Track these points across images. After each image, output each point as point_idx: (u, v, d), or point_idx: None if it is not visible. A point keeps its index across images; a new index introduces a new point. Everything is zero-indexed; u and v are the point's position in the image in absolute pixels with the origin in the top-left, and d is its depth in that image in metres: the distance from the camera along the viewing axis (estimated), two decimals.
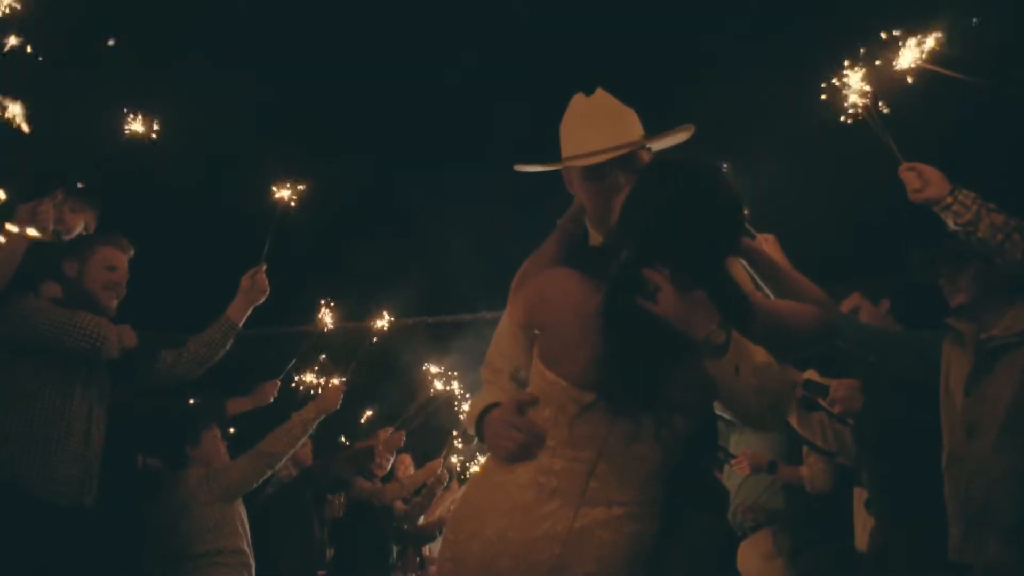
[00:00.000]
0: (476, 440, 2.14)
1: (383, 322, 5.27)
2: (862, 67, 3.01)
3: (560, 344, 1.87)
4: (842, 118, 3.05)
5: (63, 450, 3.09)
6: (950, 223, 2.85)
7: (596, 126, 2.08)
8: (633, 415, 1.79)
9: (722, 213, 1.79)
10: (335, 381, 4.40)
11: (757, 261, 1.99)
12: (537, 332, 1.94)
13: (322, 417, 4.21)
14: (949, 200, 2.80)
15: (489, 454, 2.01)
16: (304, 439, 4.22)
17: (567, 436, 1.82)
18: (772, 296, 1.98)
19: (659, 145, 2.15)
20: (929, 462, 3.24)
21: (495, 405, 2.01)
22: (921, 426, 3.37)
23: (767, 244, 3.60)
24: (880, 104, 2.92)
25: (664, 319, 1.71)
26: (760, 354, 1.80)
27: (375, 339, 5.21)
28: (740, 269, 2.02)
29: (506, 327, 2.23)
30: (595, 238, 2.19)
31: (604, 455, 1.79)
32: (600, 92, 2.16)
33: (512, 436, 1.86)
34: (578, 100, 2.16)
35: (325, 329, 4.96)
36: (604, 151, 2.03)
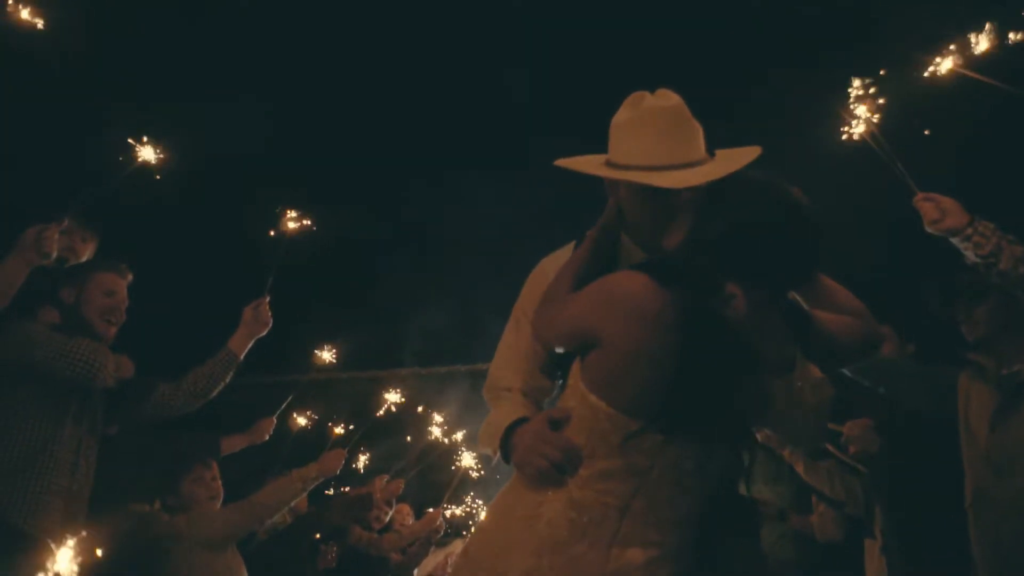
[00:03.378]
0: (496, 458, 1.93)
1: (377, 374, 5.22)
2: (870, 89, 3.01)
3: (616, 363, 1.66)
4: (845, 137, 3.04)
5: (47, 482, 2.96)
6: (969, 255, 2.81)
7: (664, 136, 1.83)
8: (683, 446, 1.64)
9: (805, 237, 1.67)
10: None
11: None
12: (589, 348, 1.73)
13: (321, 479, 4.15)
14: (969, 231, 2.76)
15: (509, 486, 1.84)
16: (300, 497, 4.16)
17: (602, 468, 1.64)
18: (808, 306, 1.87)
19: (729, 169, 1.83)
20: (949, 501, 3.15)
21: (523, 420, 1.84)
22: (940, 464, 3.29)
23: None
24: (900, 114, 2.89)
25: (741, 329, 1.60)
26: (816, 371, 1.68)
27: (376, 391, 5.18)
28: None
29: (513, 343, 2.09)
30: (634, 254, 1.98)
31: (642, 490, 1.63)
32: (666, 94, 1.90)
33: (547, 453, 1.67)
34: (642, 99, 1.90)
35: (319, 376, 4.90)
36: (673, 167, 1.79)
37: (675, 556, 1.65)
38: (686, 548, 1.68)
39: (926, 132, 3.05)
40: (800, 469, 4.53)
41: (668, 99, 1.88)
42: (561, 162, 1.96)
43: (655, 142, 1.83)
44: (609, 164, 1.92)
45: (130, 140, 3.24)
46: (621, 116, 1.91)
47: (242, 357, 3.52)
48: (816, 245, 1.69)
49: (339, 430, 4.97)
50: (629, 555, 1.61)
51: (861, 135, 3.05)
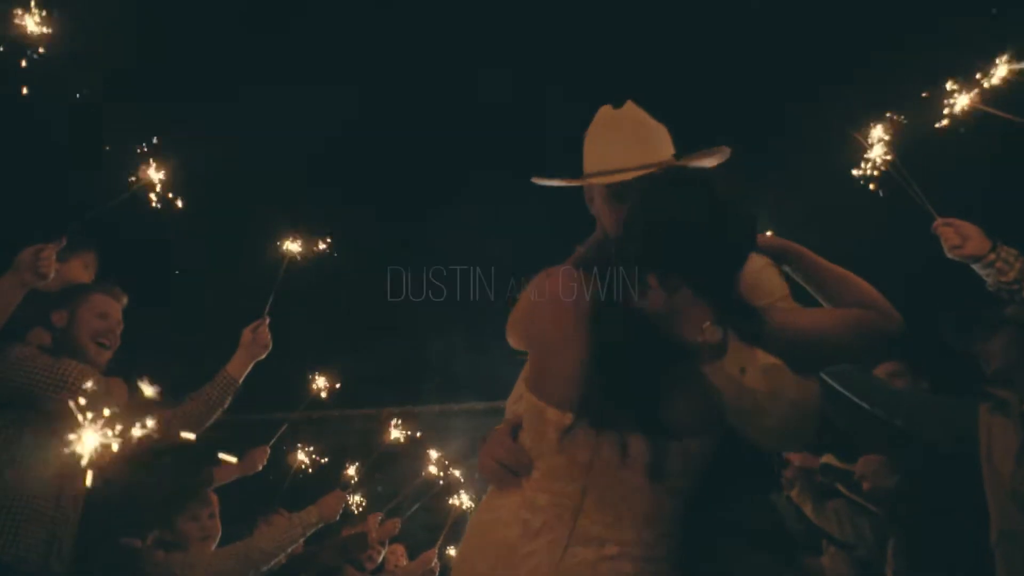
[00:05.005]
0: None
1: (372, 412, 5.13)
2: (889, 121, 2.99)
3: (543, 356, 1.72)
4: (863, 169, 3.02)
5: (31, 510, 2.82)
6: (991, 281, 2.76)
7: (623, 142, 1.90)
8: (620, 439, 1.61)
9: (731, 223, 1.65)
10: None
11: (800, 265, 1.82)
12: (528, 347, 1.81)
13: (322, 525, 4.09)
14: (991, 257, 2.72)
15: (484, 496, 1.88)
16: (299, 543, 4.05)
17: (549, 467, 1.66)
18: (823, 302, 1.82)
19: (690, 164, 1.92)
20: (971, 541, 3.04)
21: None
22: (960, 502, 3.19)
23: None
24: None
25: (655, 319, 1.59)
26: (769, 357, 1.57)
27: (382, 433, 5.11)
28: (773, 275, 1.84)
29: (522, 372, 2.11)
30: None
31: (590, 488, 1.61)
32: (630, 105, 1.98)
33: (495, 454, 1.73)
34: (605, 113, 1.99)
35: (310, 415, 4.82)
36: (630, 169, 1.85)
37: (639, 558, 1.59)
38: (654, 552, 1.62)
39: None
40: (808, 510, 4.42)
41: (627, 109, 1.95)
42: (538, 180, 2.05)
43: (611, 148, 1.90)
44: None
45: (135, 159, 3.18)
46: (589, 130, 2.00)
47: (241, 381, 3.40)
48: (739, 240, 1.66)
49: (326, 464, 4.87)
50: (584, 553, 1.58)
51: (878, 160, 3.03)
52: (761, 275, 1.78)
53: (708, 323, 1.55)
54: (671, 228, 1.62)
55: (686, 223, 1.61)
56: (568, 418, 1.63)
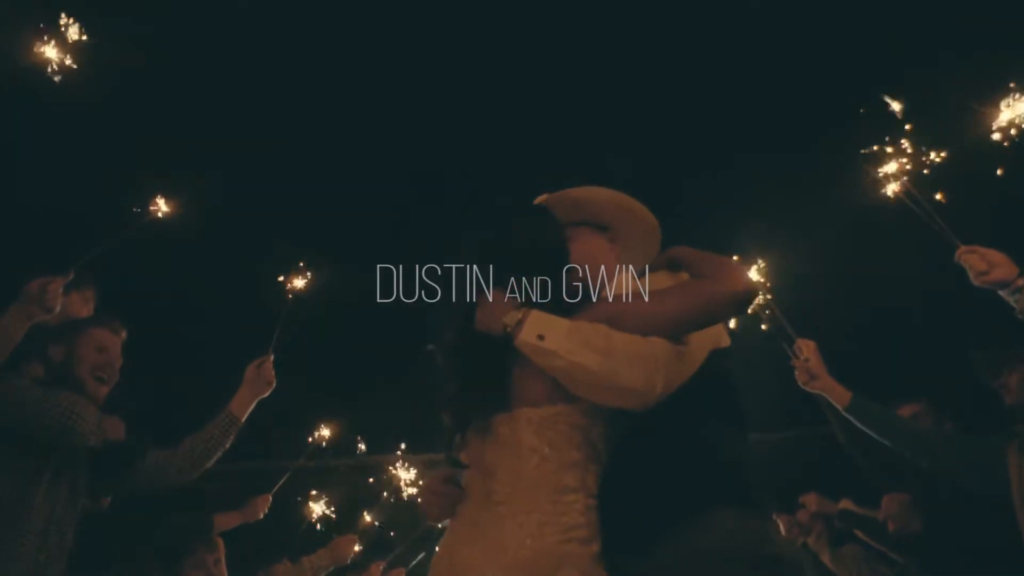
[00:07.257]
0: None
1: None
2: (901, 147, 2.97)
3: None
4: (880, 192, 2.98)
5: (14, 551, 2.67)
6: (1021, 308, 2.70)
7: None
8: (487, 426, 1.87)
9: (536, 243, 2.02)
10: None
11: (681, 264, 2.03)
12: None
13: (332, 568, 4.12)
14: (1021, 283, 2.66)
15: None
16: None
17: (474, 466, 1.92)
18: None
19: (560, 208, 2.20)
20: None
21: None
22: (991, 545, 3.07)
23: (807, 350, 3.47)
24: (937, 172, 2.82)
25: (486, 326, 1.87)
26: (574, 322, 1.81)
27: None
28: (661, 278, 2.03)
29: None
30: None
31: (487, 472, 1.85)
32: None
33: (428, 487, 2.00)
34: None
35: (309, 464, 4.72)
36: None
37: (538, 521, 1.76)
38: (547, 512, 1.78)
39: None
40: (825, 557, 4.29)
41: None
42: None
43: None
44: None
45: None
46: None
47: (244, 420, 3.28)
48: (540, 254, 2.01)
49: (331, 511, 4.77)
50: (495, 530, 1.78)
51: (895, 192, 3.00)
52: (648, 281, 2.00)
53: (509, 313, 1.83)
54: (484, 251, 2.02)
55: (493, 246, 2.02)
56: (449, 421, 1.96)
